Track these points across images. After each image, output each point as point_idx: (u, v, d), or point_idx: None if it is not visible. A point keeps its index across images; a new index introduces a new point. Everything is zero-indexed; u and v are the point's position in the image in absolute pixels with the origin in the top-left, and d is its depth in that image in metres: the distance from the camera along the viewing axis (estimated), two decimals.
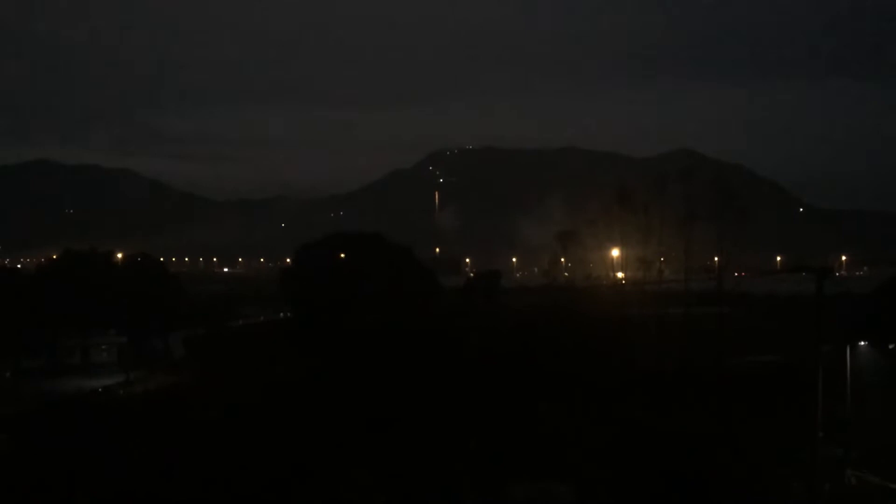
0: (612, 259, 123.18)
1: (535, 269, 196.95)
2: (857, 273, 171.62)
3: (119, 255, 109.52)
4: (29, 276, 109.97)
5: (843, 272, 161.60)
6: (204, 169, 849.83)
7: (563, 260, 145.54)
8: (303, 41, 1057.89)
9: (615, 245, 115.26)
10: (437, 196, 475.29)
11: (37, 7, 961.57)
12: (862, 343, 46.08)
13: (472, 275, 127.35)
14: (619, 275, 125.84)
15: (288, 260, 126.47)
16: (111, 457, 40.97)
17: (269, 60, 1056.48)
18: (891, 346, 48.08)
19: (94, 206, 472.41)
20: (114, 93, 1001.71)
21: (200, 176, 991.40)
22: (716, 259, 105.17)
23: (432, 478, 36.76)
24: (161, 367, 75.20)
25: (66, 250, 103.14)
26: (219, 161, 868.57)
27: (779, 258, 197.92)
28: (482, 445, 40.68)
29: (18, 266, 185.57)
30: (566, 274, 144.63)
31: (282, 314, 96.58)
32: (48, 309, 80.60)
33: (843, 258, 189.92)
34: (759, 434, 41.68)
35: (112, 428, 48.54)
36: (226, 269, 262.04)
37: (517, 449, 40.25)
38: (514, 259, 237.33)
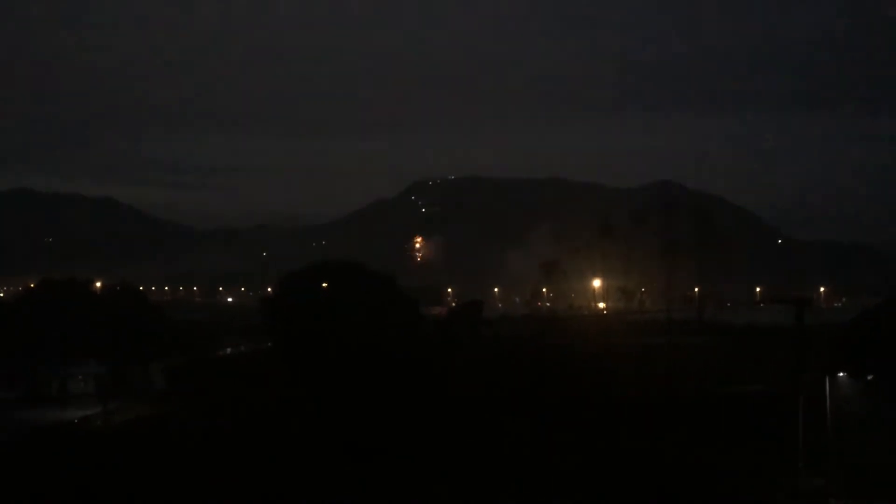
0: (594, 289, 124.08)
1: (518, 300, 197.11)
2: (836, 304, 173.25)
3: (98, 284, 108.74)
4: (7, 305, 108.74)
5: (821, 303, 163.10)
6: (186, 197, 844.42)
7: (545, 290, 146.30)
8: (285, 70, 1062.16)
9: (597, 276, 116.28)
10: (420, 226, 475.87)
11: (16, 33, 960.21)
12: (841, 374, 46.54)
13: (453, 304, 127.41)
14: (601, 305, 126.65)
15: (270, 289, 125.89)
16: (87, 488, 40.37)
17: (252, 89, 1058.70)
18: (869, 377, 48.56)
19: (74, 235, 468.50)
20: (94, 120, 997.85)
21: (182, 204, 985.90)
22: (696, 290, 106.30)
23: (418, 501, 36.59)
24: (141, 398, 74.29)
25: (44, 279, 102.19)
26: (201, 190, 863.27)
27: (758, 289, 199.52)
28: (466, 472, 40.54)
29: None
30: (548, 304, 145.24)
31: (269, 344, 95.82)
32: (26, 338, 79.61)
33: (822, 289, 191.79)
34: (741, 464, 41.81)
35: (88, 459, 47.86)
36: (230, 300, 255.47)
37: (501, 473, 40.15)
38: (496, 289, 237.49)
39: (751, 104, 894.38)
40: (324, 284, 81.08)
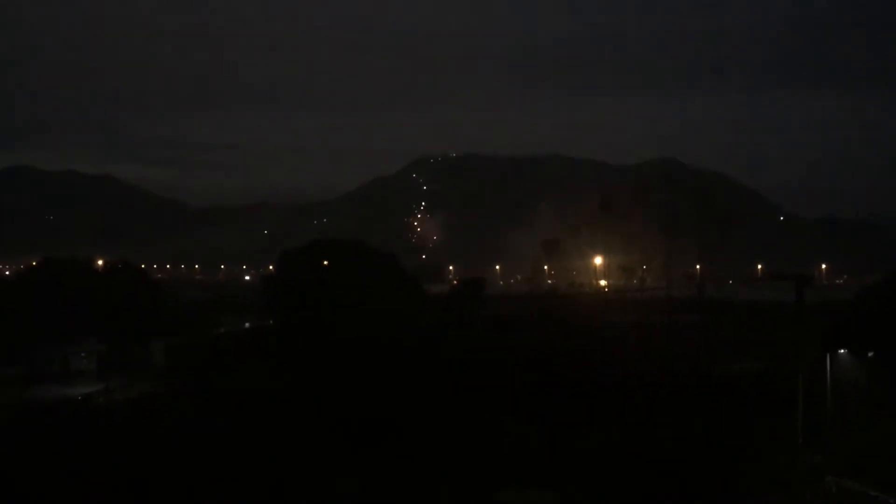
0: (595, 267, 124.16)
1: (519, 277, 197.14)
2: (837, 281, 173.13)
3: (99, 262, 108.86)
4: (8, 283, 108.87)
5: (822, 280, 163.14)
6: (186, 175, 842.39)
7: (546, 268, 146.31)
8: (283, 45, 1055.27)
9: (598, 253, 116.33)
10: (421, 203, 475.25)
11: (16, 12, 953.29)
12: (841, 351, 46.56)
13: (455, 282, 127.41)
14: (602, 282, 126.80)
15: (271, 267, 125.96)
16: (88, 466, 40.57)
17: (250, 65, 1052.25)
18: (870, 354, 48.58)
19: (74, 213, 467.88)
20: (94, 98, 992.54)
21: (182, 182, 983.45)
22: (697, 267, 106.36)
23: (418, 485, 36.74)
24: (142, 376, 74.55)
25: (45, 257, 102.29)
26: (201, 167, 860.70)
27: (759, 266, 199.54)
28: (467, 453, 40.69)
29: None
30: (549, 282, 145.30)
31: (270, 322, 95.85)
32: (27, 316, 79.74)
33: (823, 267, 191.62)
34: (740, 442, 41.96)
35: (90, 436, 48.10)
36: (247, 278, 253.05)
37: (502, 457, 40.30)
38: (497, 267, 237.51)
39: (753, 80, 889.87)
40: (325, 262, 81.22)
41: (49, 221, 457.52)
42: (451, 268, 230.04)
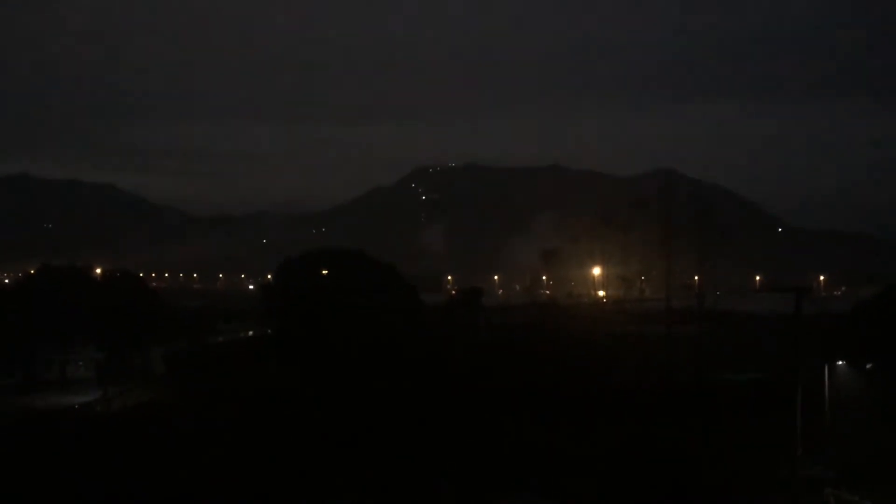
0: (594, 277, 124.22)
1: (517, 287, 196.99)
2: (835, 293, 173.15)
3: (98, 271, 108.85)
4: (7, 291, 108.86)
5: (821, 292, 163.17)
6: (185, 184, 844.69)
7: (545, 278, 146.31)
8: (283, 56, 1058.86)
9: (597, 264, 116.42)
10: (420, 213, 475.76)
11: (15, 19, 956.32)
12: (840, 362, 46.65)
13: (453, 292, 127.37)
14: (601, 293, 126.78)
15: (270, 276, 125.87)
16: (86, 474, 40.48)
17: (251, 75, 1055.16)
18: (868, 366, 48.69)
19: (74, 221, 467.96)
20: (95, 107, 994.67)
21: (182, 191, 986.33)
22: (696, 278, 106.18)
23: (416, 491, 36.71)
24: (140, 383, 74.43)
25: (44, 265, 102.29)
26: (200, 177, 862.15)
27: (758, 278, 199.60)
28: (466, 460, 40.65)
29: None
30: (547, 292, 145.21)
31: (268, 330, 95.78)
32: (26, 324, 79.68)
33: (821, 278, 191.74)
34: (739, 452, 41.93)
35: (89, 445, 47.99)
36: (251, 287, 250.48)
37: (501, 464, 40.26)
38: (496, 277, 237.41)
39: (752, 92, 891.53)
40: (324, 271, 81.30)
41: (50, 230, 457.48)
42: (449, 277, 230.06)
